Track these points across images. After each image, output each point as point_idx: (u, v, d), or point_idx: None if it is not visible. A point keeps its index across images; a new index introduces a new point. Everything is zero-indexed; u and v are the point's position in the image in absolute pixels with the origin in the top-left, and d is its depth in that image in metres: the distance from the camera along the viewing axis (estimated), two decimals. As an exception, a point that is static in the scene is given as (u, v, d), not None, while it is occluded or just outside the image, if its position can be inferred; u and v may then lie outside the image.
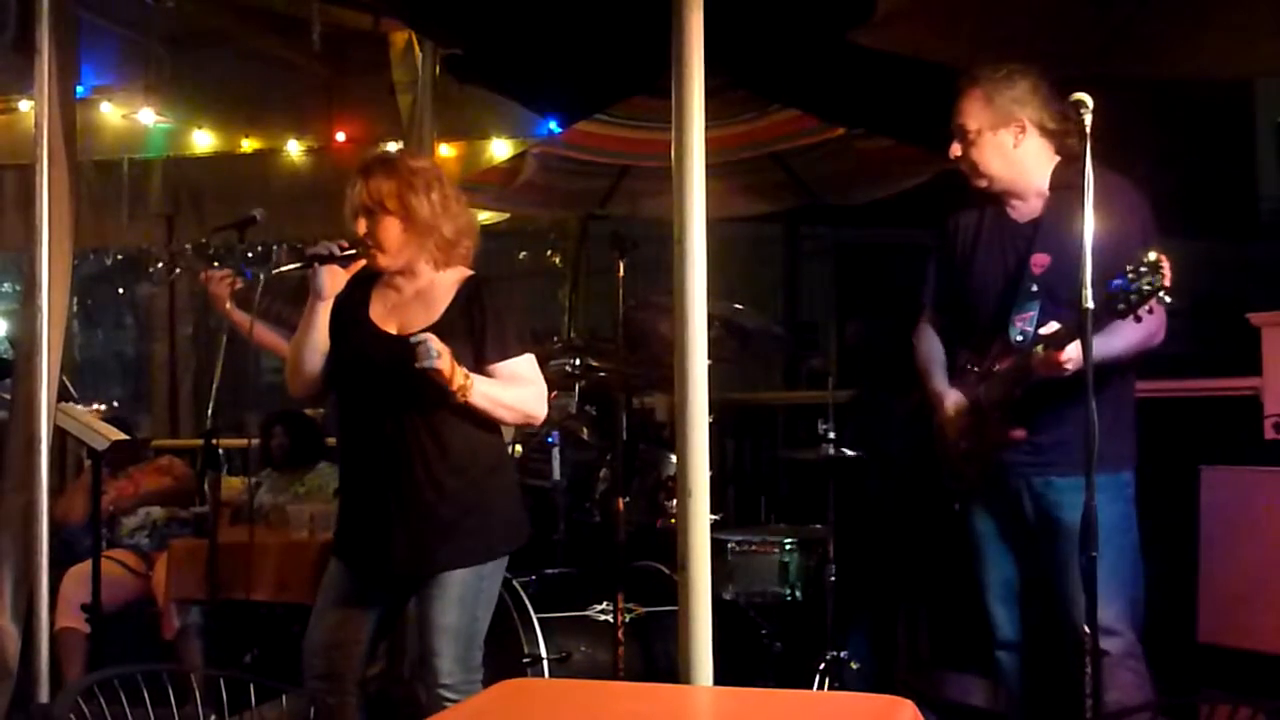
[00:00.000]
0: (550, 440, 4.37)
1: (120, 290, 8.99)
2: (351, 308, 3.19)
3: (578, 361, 4.39)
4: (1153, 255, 2.68)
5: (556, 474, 4.33)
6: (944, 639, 4.87)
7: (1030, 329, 3.10)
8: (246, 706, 2.58)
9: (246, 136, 7.44)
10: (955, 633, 4.68)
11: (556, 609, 3.91)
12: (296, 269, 3.11)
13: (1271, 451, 3.95)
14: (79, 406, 4.51)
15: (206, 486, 4.29)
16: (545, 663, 3.79)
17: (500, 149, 7.02)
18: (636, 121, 5.55)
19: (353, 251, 3.07)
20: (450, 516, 3.09)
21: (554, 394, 4.63)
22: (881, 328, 4.29)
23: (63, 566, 4.90)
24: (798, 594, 4.15)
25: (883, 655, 4.82)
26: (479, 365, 3.07)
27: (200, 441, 4.31)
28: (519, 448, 4.47)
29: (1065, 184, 3.08)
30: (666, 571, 4.02)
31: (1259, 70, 4.98)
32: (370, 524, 3.15)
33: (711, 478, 2.91)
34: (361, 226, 3.10)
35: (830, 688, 4.09)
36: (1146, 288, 2.66)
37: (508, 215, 6.90)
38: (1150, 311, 2.72)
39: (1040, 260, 3.15)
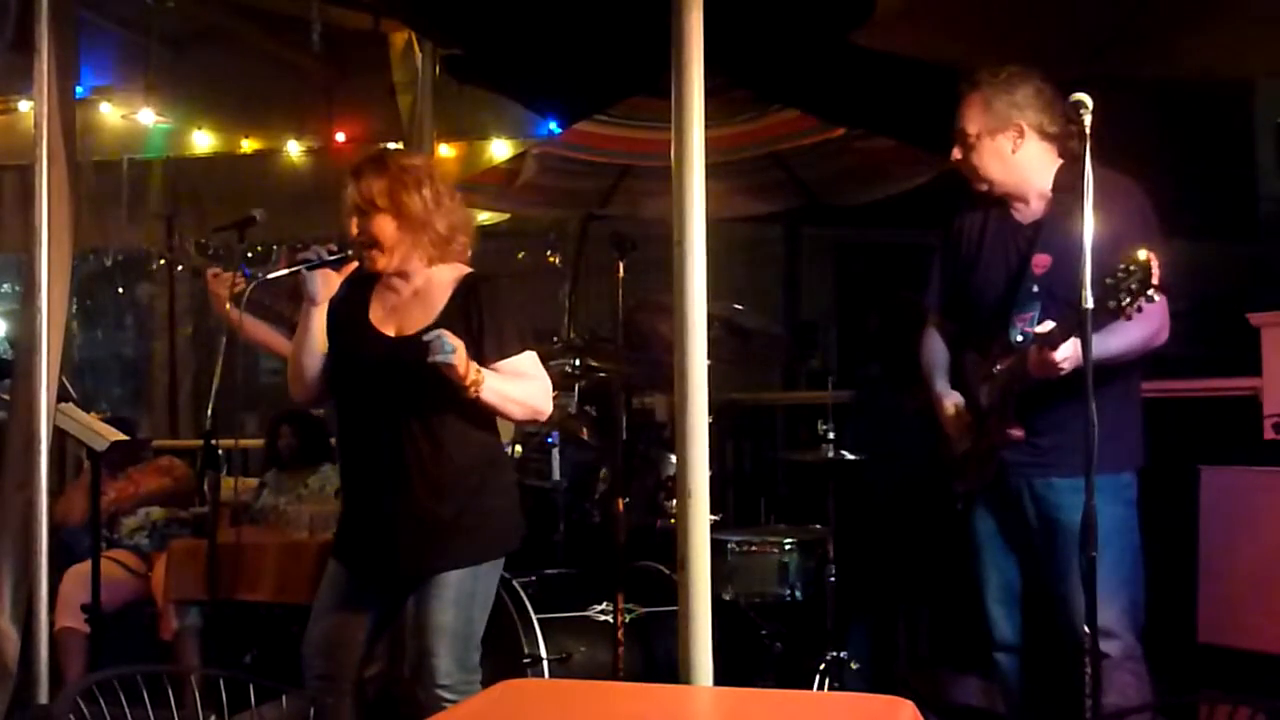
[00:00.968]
0: (550, 440, 4.37)
1: (120, 290, 8.98)
2: (350, 311, 3.19)
3: (578, 362, 4.39)
4: (1142, 254, 2.67)
5: (556, 474, 4.33)
6: (944, 639, 4.87)
7: (1031, 329, 3.10)
8: (246, 707, 2.58)
9: (246, 137, 7.44)
10: (955, 633, 4.68)
11: (556, 609, 3.91)
12: (287, 274, 3.11)
13: (1271, 451, 3.95)
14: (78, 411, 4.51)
15: (206, 487, 4.28)
16: (545, 663, 3.79)
17: (500, 149, 7.02)
18: (636, 121, 5.55)
19: (342, 254, 3.08)
20: (448, 518, 3.08)
21: (554, 394, 4.63)
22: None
23: (62, 567, 4.90)
24: (797, 594, 4.15)
25: (883, 655, 4.82)
26: (480, 364, 3.06)
27: (200, 442, 4.31)
28: (519, 448, 4.47)
29: (1068, 185, 3.08)
30: (666, 572, 4.02)
31: (1259, 70, 4.98)
32: (370, 525, 3.15)
33: (711, 478, 2.91)
34: (355, 226, 3.10)
35: (830, 688, 4.09)
36: (1135, 286, 2.66)
37: (508, 215, 6.91)
38: (1140, 311, 2.72)
39: (1042, 261, 3.15)
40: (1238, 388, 4.24)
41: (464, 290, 3.13)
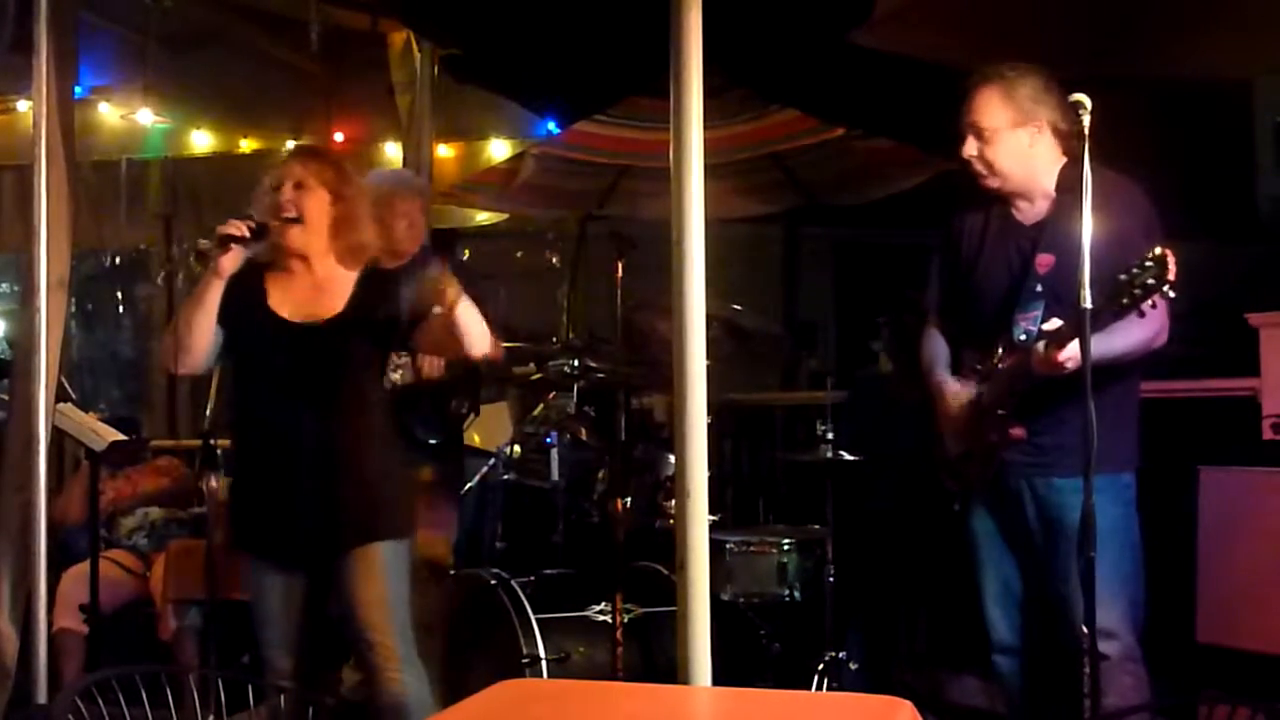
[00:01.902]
0: (549, 441, 4.37)
1: (119, 291, 8.98)
2: (247, 295, 3.21)
3: (576, 362, 4.38)
4: (1158, 250, 2.68)
5: (555, 474, 4.33)
6: (942, 639, 4.87)
7: (1034, 328, 3.10)
8: (244, 707, 2.58)
9: (245, 137, 7.44)
10: (954, 633, 4.68)
11: (555, 609, 3.91)
12: (212, 249, 3.11)
13: (1270, 452, 3.95)
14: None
15: (204, 487, 4.28)
16: (544, 663, 3.79)
17: (499, 149, 7.02)
18: (635, 122, 5.55)
19: (255, 229, 3.09)
20: (364, 493, 3.15)
21: (553, 394, 4.63)
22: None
23: (61, 567, 4.90)
24: (796, 594, 4.14)
25: (881, 656, 4.81)
26: (403, 340, 3.20)
27: (198, 442, 4.31)
28: (518, 448, 4.47)
29: (1072, 185, 3.07)
30: (665, 572, 4.02)
31: (1258, 69, 4.98)
32: (275, 507, 3.19)
33: (710, 478, 2.90)
34: (288, 195, 3.13)
35: (829, 688, 4.09)
36: (1151, 282, 2.66)
37: (506, 215, 6.91)
38: (1154, 306, 2.72)
39: (1045, 260, 3.15)
40: (1236, 388, 4.24)
41: (369, 278, 3.21)
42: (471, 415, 4.44)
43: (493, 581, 3.96)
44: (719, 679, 2.84)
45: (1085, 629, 2.74)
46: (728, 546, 4.17)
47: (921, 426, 3.61)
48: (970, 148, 3.21)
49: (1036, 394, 3.10)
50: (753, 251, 7.60)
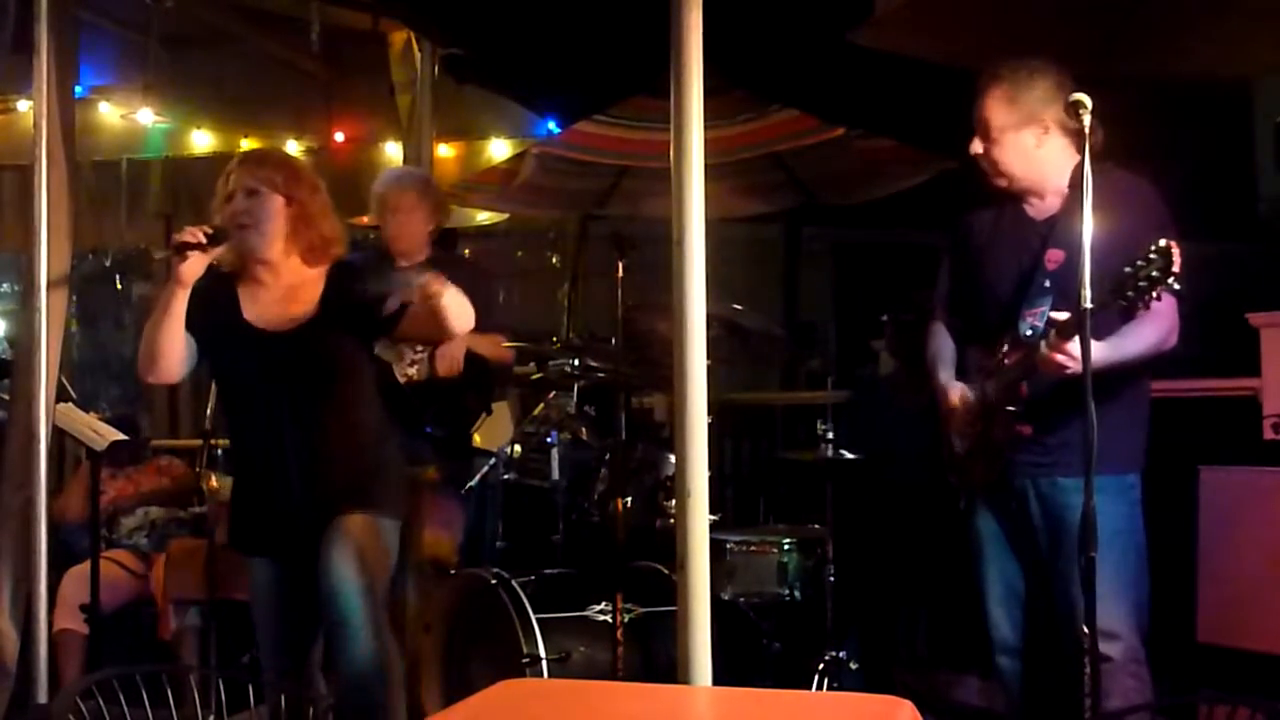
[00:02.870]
0: (549, 440, 4.37)
1: (119, 290, 8.98)
2: (221, 308, 3.21)
3: (576, 362, 4.38)
4: (1162, 242, 2.67)
5: (555, 474, 4.33)
6: (943, 639, 4.87)
7: (1040, 324, 3.09)
8: (244, 706, 2.58)
9: (245, 136, 7.43)
10: (954, 633, 4.68)
11: (555, 609, 3.91)
12: (165, 256, 3.14)
13: (1270, 452, 3.94)
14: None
15: (205, 487, 4.28)
16: (544, 663, 3.79)
17: (499, 149, 7.02)
18: (636, 122, 5.55)
19: (212, 234, 3.06)
20: (341, 476, 3.17)
21: (553, 394, 4.63)
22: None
23: (62, 567, 4.90)
24: (796, 594, 4.14)
25: (881, 655, 4.81)
26: (378, 330, 3.19)
27: (199, 441, 4.31)
28: (518, 448, 4.47)
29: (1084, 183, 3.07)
30: (665, 572, 4.02)
31: (1258, 70, 4.97)
32: (266, 506, 3.21)
33: (710, 478, 2.90)
34: (240, 204, 3.13)
35: (829, 688, 4.09)
36: (1155, 274, 2.66)
37: (507, 215, 6.91)
38: (1158, 299, 2.71)
39: (1055, 257, 3.14)
40: (1237, 388, 4.24)
41: (335, 275, 3.20)
42: (484, 414, 4.45)
43: (493, 581, 3.96)
44: (719, 679, 2.84)
45: (1086, 629, 2.74)
46: (728, 546, 4.17)
47: (923, 425, 3.61)
48: (976, 146, 3.21)
49: (1042, 391, 3.10)
50: (753, 251, 7.60)
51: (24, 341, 3.90)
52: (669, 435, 4.18)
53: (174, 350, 3.12)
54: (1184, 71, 4.16)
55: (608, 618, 3.83)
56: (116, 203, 7.35)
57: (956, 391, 3.32)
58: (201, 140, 7.43)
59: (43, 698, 3.61)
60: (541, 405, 4.61)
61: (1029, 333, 3.13)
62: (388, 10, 5.88)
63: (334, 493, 3.17)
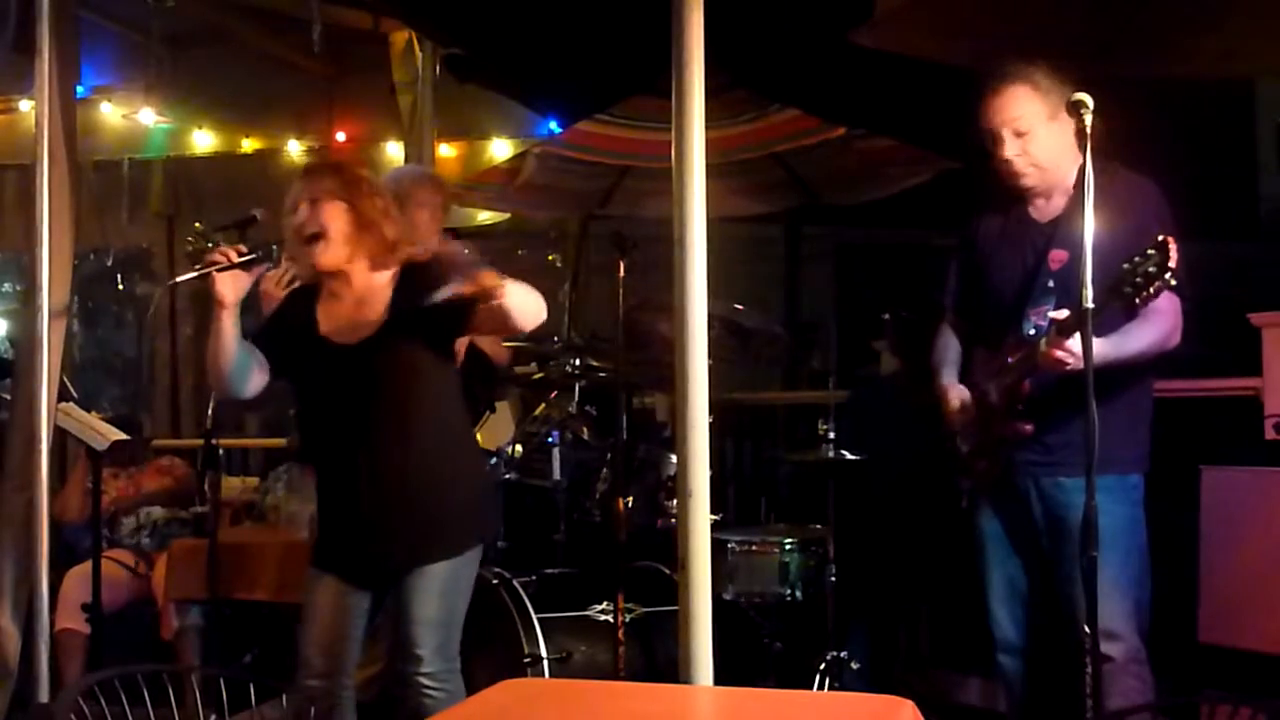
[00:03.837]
0: (550, 440, 4.37)
1: (121, 290, 8.98)
2: (299, 325, 3.22)
3: (578, 361, 4.39)
4: (1160, 237, 2.67)
5: (557, 474, 4.33)
6: (944, 639, 4.86)
7: (1044, 323, 3.10)
8: (246, 706, 2.58)
9: (247, 136, 7.45)
10: (956, 633, 4.67)
11: (557, 609, 3.91)
12: (193, 278, 3.12)
13: (1272, 452, 3.94)
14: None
15: (206, 486, 4.29)
16: (545, 662, 3.79)
17: (501, 149, 7.03)
18: (637, 121, 5.54)
19: (252, 256, 3.07)
20: (426, 510, 3.13)
21: (554, 394, 4.64)
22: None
23: (63, 567, 4.91)
24: (798, 594, 4.14)
25: (883, 655, 4.81)
26: (447, 332, 3.14)
27: (201, 441, 4.31)
28: (519, 448, 4.47)
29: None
30: (667, 571, 4.02)
31: (1259, 70, 4.97)
32: (349, 529, 3.18)
33: (711, 478, 2.90)
34: (303, 214, 3.12)
35: (830, 688, 4.09)
36: (1152, 270, 2.66)
37: (508, 215, 6.90)
38: (1155, 295, 2.72)
39: (1059, 256, 3.15)
40: (1239, 388, 4.23)
41: (403, 277, 3.17)
42: (487, 413, 4.44)
43: (495, 581, 3.96)
44: (720, 678, 2.85)
45: (1087, 629, 2.74)
46: (729, 546, 4.17)
47: (924, 424, 3.61)
48: (1010, 148, 3.16)
49: (1045, 391, 3.10)
50: (754, 251, 7.59)
51: (25, 341, 3.91)
52: (670, 435, 4.17)
53: (226, 369, 3.11)
54: (1186, 71, 4.16)
55: (609, 617, 3.84)
56: (118, 203, 7.36)
57: (956, 394, 3.33)
58: (203, 140, 7.44)
59: (44, 697, 3.62)
60: (543, 405, 4.61)
61: (1032, 332, 3.13)
62: (389, 10, 5.88)
63: (415, 529, 3.12)
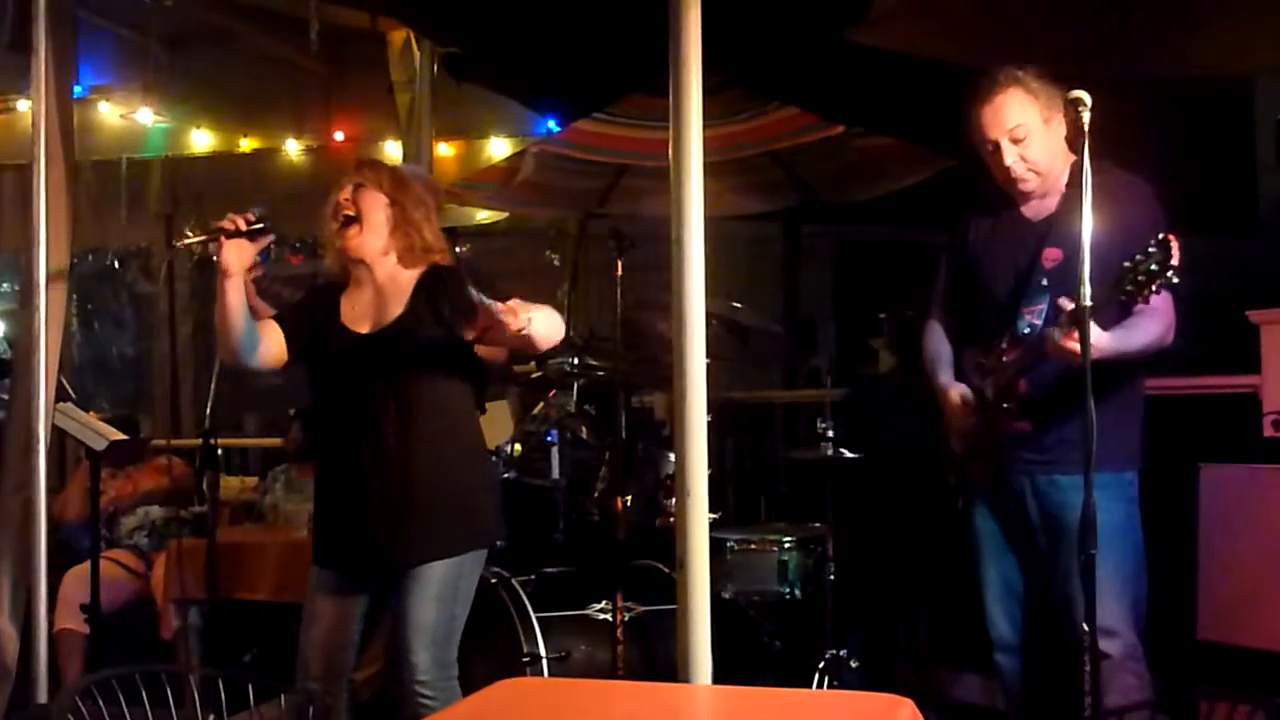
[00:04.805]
0: (549, 439, 4.36)
1: (119, 290, 8.98)
2: (322, 310, 3.25)
3: (576, 360, 4.38)
4: (1161, 235, 2.68)
5: (555, 473, 4.33)
6: (943, 637, 4.87)
7: (1039, 322, 3.10)
8: (245, 706, 2.58)
9: (245, 136, 7.45)
10: (955, 631, 4.68)
11: (555, 608, 3.91)
12: (200, 242, 3.12)
13: (1270, 449, 3.94)
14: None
15: (205, 486, 4.28)
16: (544, 661, 3.79)
17: (499, 148, 7.03)
18: (635, 120, 5.54)
19: (259, 225, 3.08)
20: (427, 506, 3.12)
21: (553, 393, 4.63)
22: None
23: (62, 567, 4.90)
24: (797, 593, 4.14)
25: (882, 654, 4.81)
26: (460, 344, 3.12)
27: (199, 441, 4.31)
28: (518, 446, 4.47)
29: (1082, 182, 3.07)
30: (665, 570, 4.02)
31: (1258, 67, 4.97)
32: (350, 520, 3.17)
33: (710, 476, 2.91)
34: (346, 194, 3.16)
35: (829, 686, 4.09)
36: (1154, 268, 2.66)
37: (506, 214, 6.90)
38: (1157, 293, 2.72)
39: (1052, 255, 3.15)
40: (1237, 385, 4.24)
41: (428, 279, 3.20)
42: (478, 412, 4.44)
43: (493, 580, 3.96)
44: (719, 677, 2.85)
45: (1085, 626, 2.74)
46: (728, 545, 4.17)
47: (922, 423, 3.61)
48: (1009, 156, 3.15)
49: (1041, 389, 3.10)
50: (752, 249, 7.59)
51: (23, 341, 3.90)
52: (669, 434, 4.17)
53: (233, 336, 3.11)
54: (1184, 69, 4.16)
55: (608, 616, 3.84)
56: (116, 202, 7.36)
57: (957, 392, 3.32)
58: (201, 139, 7.44)
59: (43, 697, 3.62)
60: (541, 404, 4.61)
61: (1027, 330, 3.13)
62: (387, 9, 5.88)
63: (419, 527, 3.12)
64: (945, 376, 3.39)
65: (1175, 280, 2.69)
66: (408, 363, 3.13)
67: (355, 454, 3.14)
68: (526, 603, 3.87)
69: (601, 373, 4.38)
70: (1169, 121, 5.23)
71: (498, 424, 4.92)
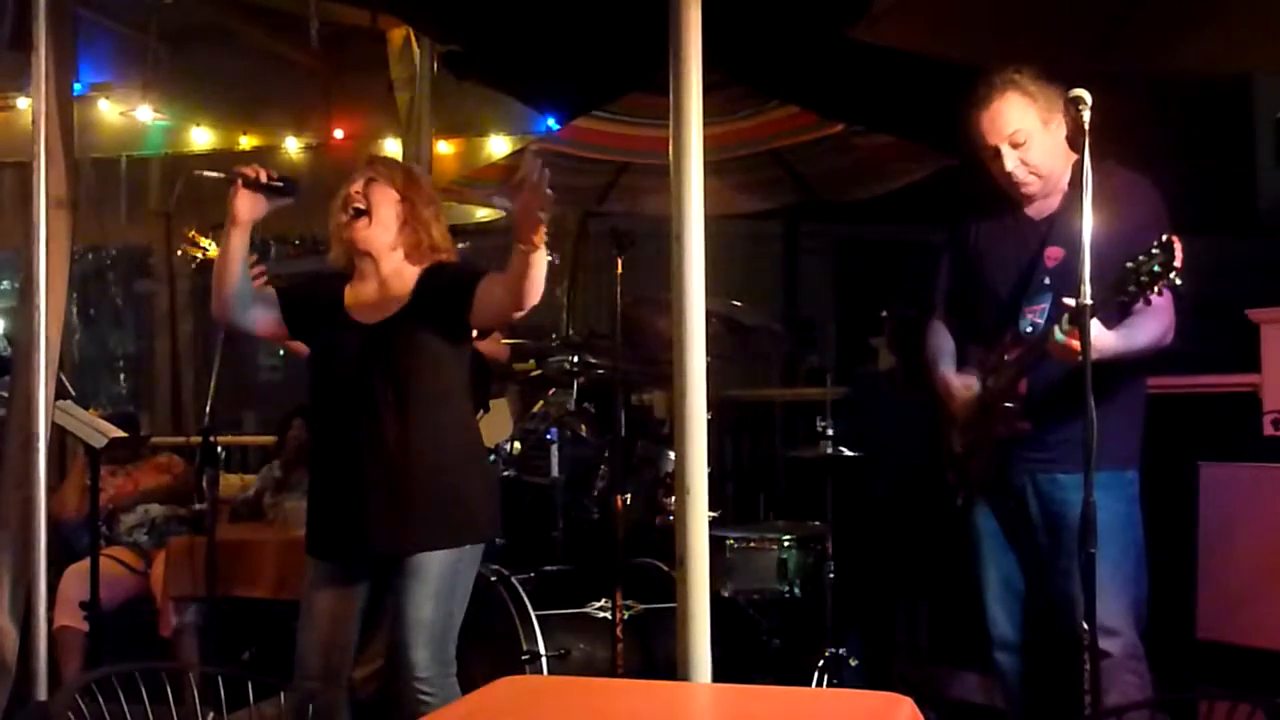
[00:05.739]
0: (549, 437, 4.36)
1: (119, 288, 8.99)
2: (326, 296, 3.27)
3: (576, 358, 4.38)
4: (1164, 236, 2.68)
5: (555, 471, 4.33)
6: (943, 636, 4.87)
7: (1041, 321, 3.10)
8: (244, 704, 2.58)
9: (245, 133, 7.44)
10: (954, 629, 4.68)
11: (555, 606, 3.91)
12: (218, 176, 3.14)
13: (1270, 448, 3.94)
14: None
15: (205, 484, 4.28)
16: (544, 659, 3.79)
17: (498, 146, 7.02)
18: (635, 118, 5.55)
19: (280, 184, 3.11)
20: (422, 495, 3.13)
21: (552, 391, 4.63)
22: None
23: (61, 564, 4.90)
24: (796, 591, 4.14)
25: (881, 652, 4.82)
26: (465, 318, 3.13)
27: (199, 439, 4.31)
28: (518, 444, 4.47)
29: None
30: (665, 568, 4.02)
31: (1258, 66, 4.97)
32: (344, 509, 3.17)
33: (710, 475, 2.90)
34: (358, 187, 3.18)
35: (829, 685, 4.09)
36: (1157, 269, 2.66)
37: (506, 212, 6.90)
38: (1160, 294, 2.72)
39: (1054, 254, 3.14)
40: (1237, 384, 4.24)
41: (430, 272, 3.22)
42: (481, 412, 4.44)
43: (493, 578, 3.96)
44: (719, 675, 2.84)
45: (1085, 625, 2.74)
46: (728, 543, 4.17)
47: (922, 421, 3.61)
48: (1010, 161, 3.15)
49: (1042, 388, 3.10)
50: (752, 248, 7.60)
51: (23, 339, 3.90)
52: (668, 432, 4.17)
53: (231, 285, 3.14)
54: (1184, 67, 4.16)
55: (607, 615, 3.84)
56: (116, 200, 7.35)
57: (959, 382, 3.31)
58: (201, 137, 7.43)
59: (42, 695, 3.61)
60: (541, 402, 4.61)
61: (1029, 329, 3.13)
62: (387, 7, 5.88)
63: (415, 515, 3.12)
64: (946, 370, 3.38)
65: (1179, 282, 2.68)
66: (409, 355, 3.15)
67: (353, 443, 3.15)
68: (526, 601, 3.87)
69: (601, 371, 4.38)
70: (1168, 120, 5.24)
71: (497, 422, 4.92)
